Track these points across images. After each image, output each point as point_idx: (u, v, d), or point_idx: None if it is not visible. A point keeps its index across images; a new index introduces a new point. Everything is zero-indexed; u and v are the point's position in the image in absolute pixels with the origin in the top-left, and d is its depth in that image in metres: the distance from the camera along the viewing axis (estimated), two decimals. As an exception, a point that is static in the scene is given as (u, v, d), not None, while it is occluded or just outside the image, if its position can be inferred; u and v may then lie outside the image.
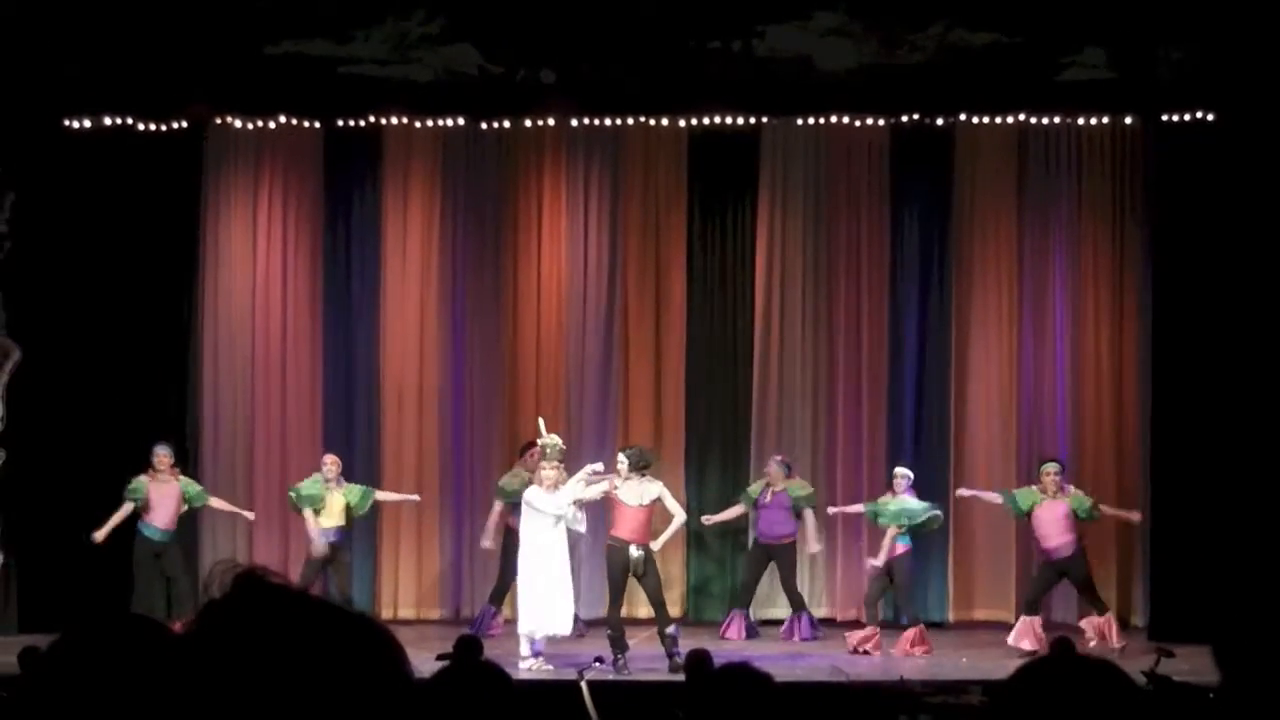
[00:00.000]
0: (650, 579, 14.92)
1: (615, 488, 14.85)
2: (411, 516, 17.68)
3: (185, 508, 16.29)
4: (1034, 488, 15.86)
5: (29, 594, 16.53)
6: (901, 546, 15.89)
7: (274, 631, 2.02)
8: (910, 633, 15.77)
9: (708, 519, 16.77)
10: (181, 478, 16.34)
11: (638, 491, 14.88)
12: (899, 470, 16.23)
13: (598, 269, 17.99)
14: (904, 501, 15.91)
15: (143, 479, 16.09)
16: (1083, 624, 15.77)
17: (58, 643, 2.39)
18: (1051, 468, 15.82)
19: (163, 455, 16.17)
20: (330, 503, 16.08)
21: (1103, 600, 15.83)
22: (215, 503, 16.67)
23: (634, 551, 14.77)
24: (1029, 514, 15.77)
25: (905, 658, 15.42)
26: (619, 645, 14.69)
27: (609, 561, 15.04)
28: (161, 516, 16.06)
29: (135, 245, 17.00)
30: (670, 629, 14.76)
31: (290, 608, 2.06)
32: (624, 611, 15.38)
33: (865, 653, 15.59)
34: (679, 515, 15.27)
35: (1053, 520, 15.58)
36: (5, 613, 16.53)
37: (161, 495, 16.08)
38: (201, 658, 2.03)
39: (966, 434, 17.71)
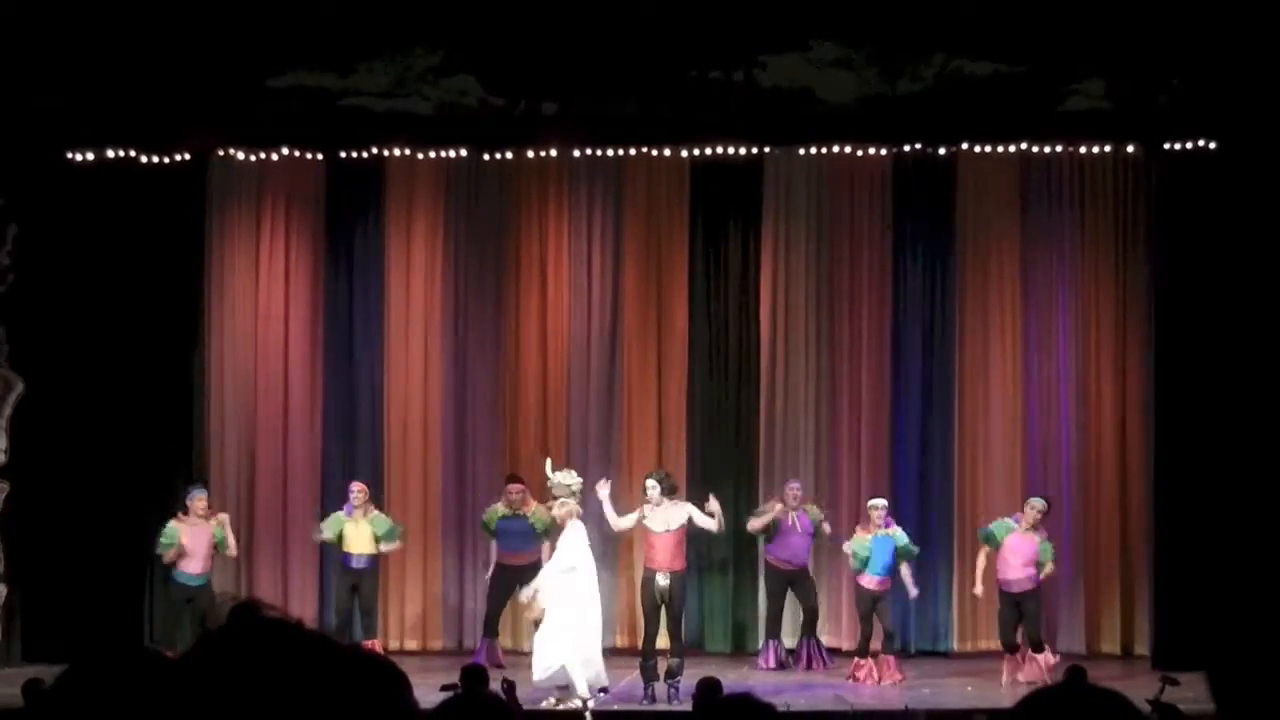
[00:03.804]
0: (674, 608, 14.92)
1: (644, 517, 14.90)
2: (415, 547, 17.66)
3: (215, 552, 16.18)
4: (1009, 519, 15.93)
5: (33, 626, 16.53)
6: (882, 580, 15.86)
7: (272, 664, 2.02)
8: (868, 662, 15.79)
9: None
10: (214, 520, 16.10)
11: (665, 517, 14.89)
12: (877, 501, 16.14)
13: (600, 299, 17.98)
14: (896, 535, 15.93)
15: (174, 525, 15.97)
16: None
17: (63, 677, 2.39)
18: (1038, 503, 15.90)
19: (199, 499, 16.08)
20: (356, 531, 16.15)
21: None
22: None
23: (660, 580, 14.81)
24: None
25: (852, 683, 15.45)
26: (649, 675, 14.67)
27: (642, 593, 15.18)
28: (197, 563, 15.93)
29: (138, 277, 17.02)
30: (675, 661, 14.75)
31: (287, 640, 2.06)
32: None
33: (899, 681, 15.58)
34: (710, 525, 15.10)
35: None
36: (9, 645, 16.52)
37: (196, 540, 15.94)
38: (200, 691, 2.03)
39: (970, 461, 17.68)
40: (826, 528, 16.73)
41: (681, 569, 15.02)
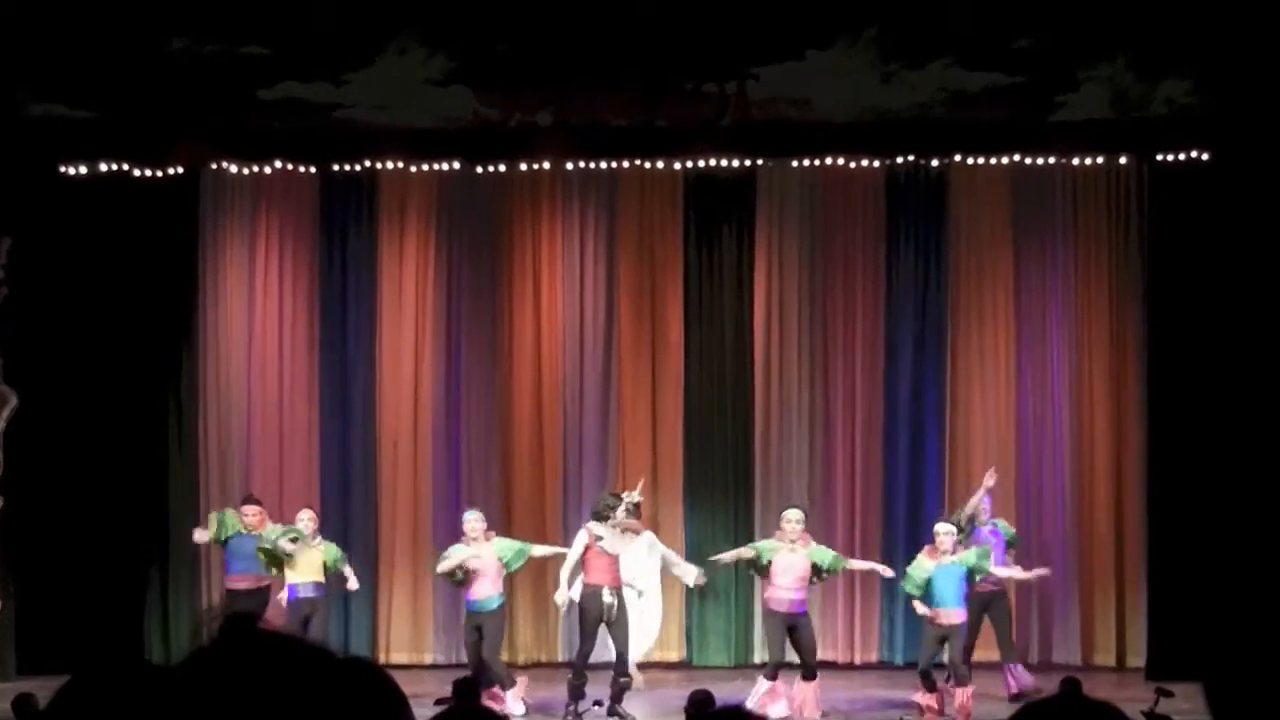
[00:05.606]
0: (619, 627, 14.62)
1: (599, 539, 14.63)
2: (407, 561, 17.65)
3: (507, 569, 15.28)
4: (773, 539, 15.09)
5: (28, 640, 16.50)
6: (959, 612, 14.79)
7: (267, 678, 2.02)
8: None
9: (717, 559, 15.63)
10: (496, 539, 15.30)
11: (622, 541, 14.80)
12: (944, 526, 14.99)
13: (594, 311, 17.98)
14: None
15: (460, 547, 15.16)
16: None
17: (60, 693, 2.39)
18: (794, 514, 14.99)
19: (474, 521, 15.24)
20: (307, 558, 15.47)
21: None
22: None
23: (607, 597, 14.52)
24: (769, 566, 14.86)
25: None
26: (576, 693, 14.46)
27: (583, 608, 14.71)
28: (486, 586, 15.06)
29: (132, 291, 17.02)
30: (624, 680, 14.61)
31: (282, 654, 2.05)
32: (561, 656, 15.33)
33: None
34: (687, 578, 15.43)
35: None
36: (5, 659, 16.50)
37: (482, 563, 15.04)
38: (197, 708, 2.02)
39: (964, 472, 17.67)
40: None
41: (619, 586, 14.75)
